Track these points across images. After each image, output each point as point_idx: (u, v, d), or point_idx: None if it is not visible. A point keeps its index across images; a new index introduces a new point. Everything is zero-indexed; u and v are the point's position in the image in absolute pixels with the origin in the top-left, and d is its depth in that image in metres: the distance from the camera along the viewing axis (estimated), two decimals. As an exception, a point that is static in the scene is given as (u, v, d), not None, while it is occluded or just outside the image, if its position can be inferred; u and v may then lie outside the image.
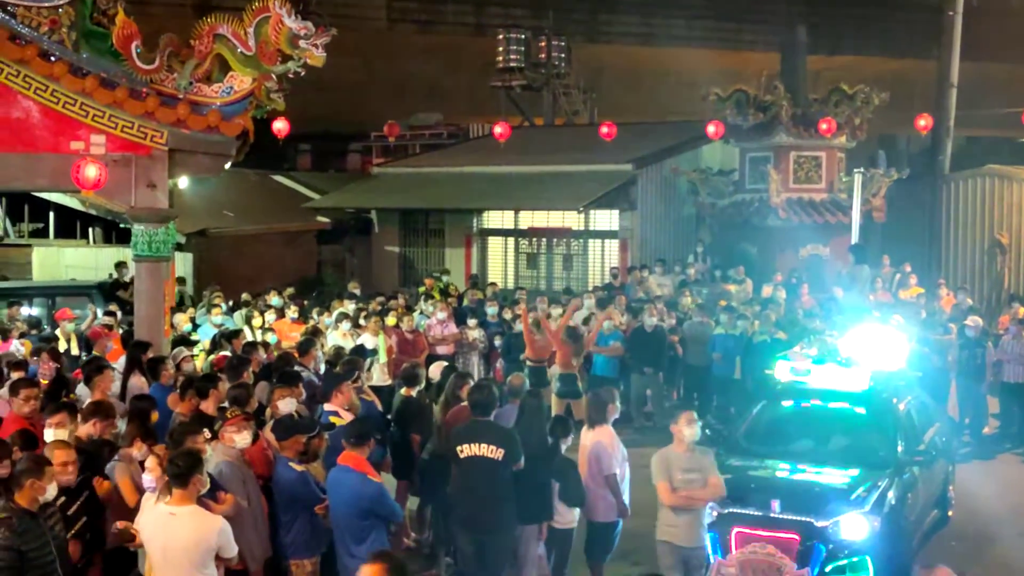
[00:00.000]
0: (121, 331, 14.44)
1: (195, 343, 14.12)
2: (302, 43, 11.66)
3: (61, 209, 26.52)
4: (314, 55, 11.72)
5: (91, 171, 11.41)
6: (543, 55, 34.76)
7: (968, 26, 25.36)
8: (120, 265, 19.04)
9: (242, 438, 8.21)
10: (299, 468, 8.13)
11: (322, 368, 12.38)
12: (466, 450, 8.81)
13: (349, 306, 17.18)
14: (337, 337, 14.96)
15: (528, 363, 14.69)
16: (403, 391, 11.07)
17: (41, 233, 28.96)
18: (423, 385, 11.32)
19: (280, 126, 18.39)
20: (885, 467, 10.00)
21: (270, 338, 14.90)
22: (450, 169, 26.66)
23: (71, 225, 27.99)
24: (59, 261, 25.24)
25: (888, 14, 37.22)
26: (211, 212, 25.21)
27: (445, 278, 22.03)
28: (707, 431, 11.89)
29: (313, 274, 26.78)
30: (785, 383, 11.35)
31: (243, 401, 9.18)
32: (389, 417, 11.25)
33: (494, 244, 25.93)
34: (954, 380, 15.57)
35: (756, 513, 9.29)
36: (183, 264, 22.83)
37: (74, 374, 11.64)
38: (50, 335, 14.29)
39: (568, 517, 9.30)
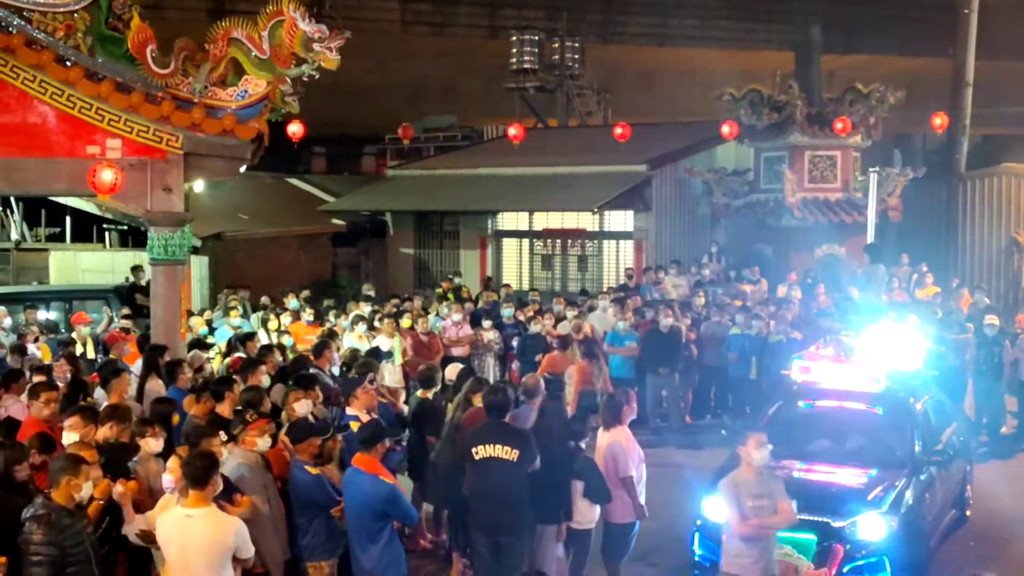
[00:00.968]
0: (137, 334, 14.50)
1: (211, 346, 14.17)
2: (316, 46, 11.69)
3: (77, 213, 26.60)
4: (328, 58, 11.75)
5: (107, 175, 11.45)
6: (557, 56, 34.81)
7: (983, 24, 25.26)
8: (136, 269, 19.12)
9: (264, 441, 8.25)
10: (314, 471, 8.13)
11: (336, 371, 12.41)
12: (481, 451, 8.82)
13: (364, 308, 17.21)
14: (353, 339, 15.00)
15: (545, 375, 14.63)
16: (419, 393, 11.10)
17: (58, 237, 29.09)
18: (439, 387, 11.33)
19: (295, 129, 18.38)
20: (902, 467, 9.96)
21: (286, 341, 14.93)
22: (464, 171, 26.67)
23: (87, 229, 28.08)
24: (76, 265, 25.34)
25: (903, 12, 37.15)
26: (226, 215, 25.25)
27: (457, 280, 22.05)
28: (723, 432, 11.93)
29: (328, 277, 26.80)
30: (801, 383, 11.32)
31: (256, 404, 9.20)
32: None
33: (509, 246, 25.93)
34: (970, 380, 15.51)
35: (773, 514, 9.27)
36: (199, 267, 22.91)
37: (91, 377, 11.70)
38: (67, 339, 14.35)
39: (587, 517, 9.27)
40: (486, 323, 16.88)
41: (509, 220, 25.78)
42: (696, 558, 9.71)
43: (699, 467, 12.16)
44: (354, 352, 13.12)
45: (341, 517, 8.06)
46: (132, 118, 12.01)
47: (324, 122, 30.96)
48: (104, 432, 8.37)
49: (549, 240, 25.22)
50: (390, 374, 14.40)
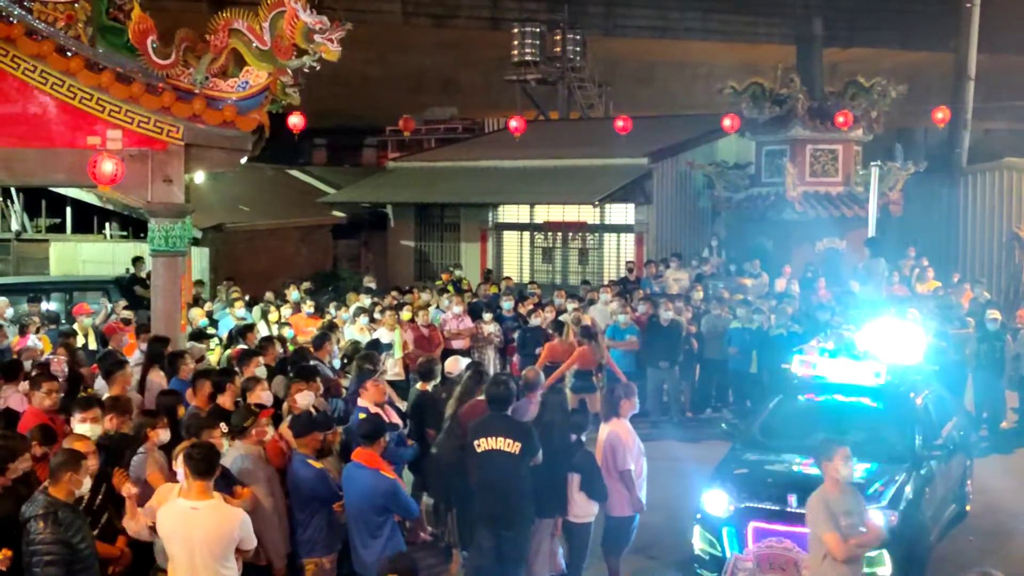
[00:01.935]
0: (135, 325, 14.47)
1: (211, 337, 14.15)
2: (317, 37, 11.69)
3: (78, 204, 26.58)
4: (329, 50, 11.74)
5: (108, 166, 11.43)
6: (558, 49, 34.77)
7: (986, 18, 25.22)
8: (137, 260, 19.10)
9: (270, 430, 8.28)
10: (317, 465, 8.12)
11: (336, 363, 12.38)
12: (483, 444, 8.81)
13: (365, 300, 17.20)
14: (354, 332, 15.00)
15: (547, 365, 14.61)
16: (419, 386, 11.10)
17: (58, 228, 29.10)
18: (439, 380, 11.33)
19: (295, 121, 18.36)
20: (902, 462, 9.96)
21: (286, 332, 14.92)
22: (465, 163, 26.66)
23: (88, 220, 28.08)
24: (76, 256, 25.33)
25: (905, 6, 37.11)
26: (227, 207, 25.23)
27: (458, 272, 22.02)
28: (723, 426, 11.93)
29: (329, 269, 26.79)
30: (801, 377, 11.31)
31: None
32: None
33: (509, 238, 25.92)
34: (971, 374, 15.50)
35: (773, 507, 9.28)
36: (199, 259, 22.89)
37: (91, 369, 11.68)
38: (69, 330, 14.34)
39: (587, 511, 9.28)
40: (486, 316, 16.89)
41: (510, 213, 25.76)
42: (696, 551, 9.72)
43: (699, 460, 12.15)
44: (355, 344, 13.11)
45: (342, 511, 8.05)
46: (133, 109, 11.99)
47: (325, 113, 30.93)
48: (105, 424, 8.35)
49: (550, 233, 25.20)
50: (390, 367, 14.39)
